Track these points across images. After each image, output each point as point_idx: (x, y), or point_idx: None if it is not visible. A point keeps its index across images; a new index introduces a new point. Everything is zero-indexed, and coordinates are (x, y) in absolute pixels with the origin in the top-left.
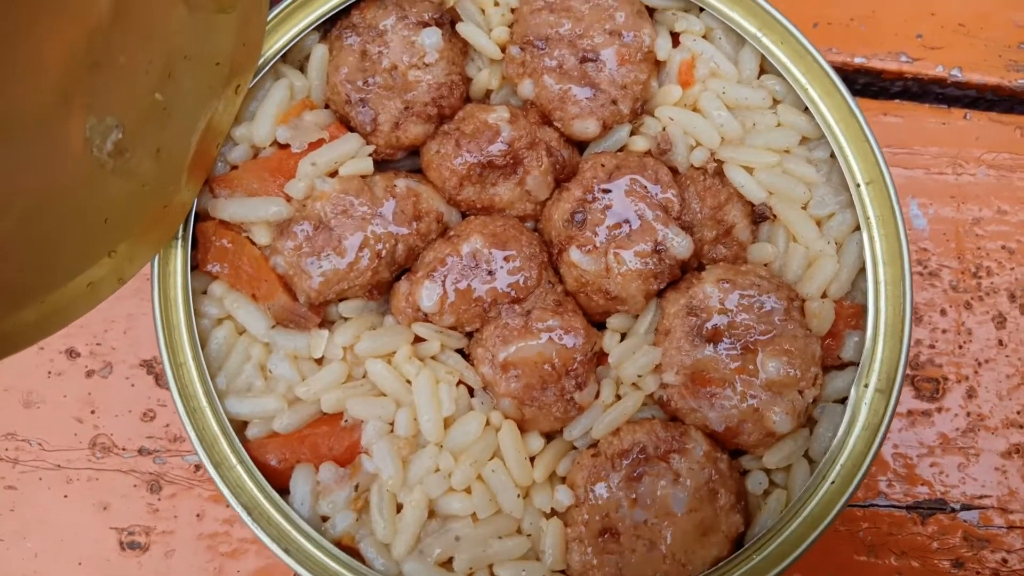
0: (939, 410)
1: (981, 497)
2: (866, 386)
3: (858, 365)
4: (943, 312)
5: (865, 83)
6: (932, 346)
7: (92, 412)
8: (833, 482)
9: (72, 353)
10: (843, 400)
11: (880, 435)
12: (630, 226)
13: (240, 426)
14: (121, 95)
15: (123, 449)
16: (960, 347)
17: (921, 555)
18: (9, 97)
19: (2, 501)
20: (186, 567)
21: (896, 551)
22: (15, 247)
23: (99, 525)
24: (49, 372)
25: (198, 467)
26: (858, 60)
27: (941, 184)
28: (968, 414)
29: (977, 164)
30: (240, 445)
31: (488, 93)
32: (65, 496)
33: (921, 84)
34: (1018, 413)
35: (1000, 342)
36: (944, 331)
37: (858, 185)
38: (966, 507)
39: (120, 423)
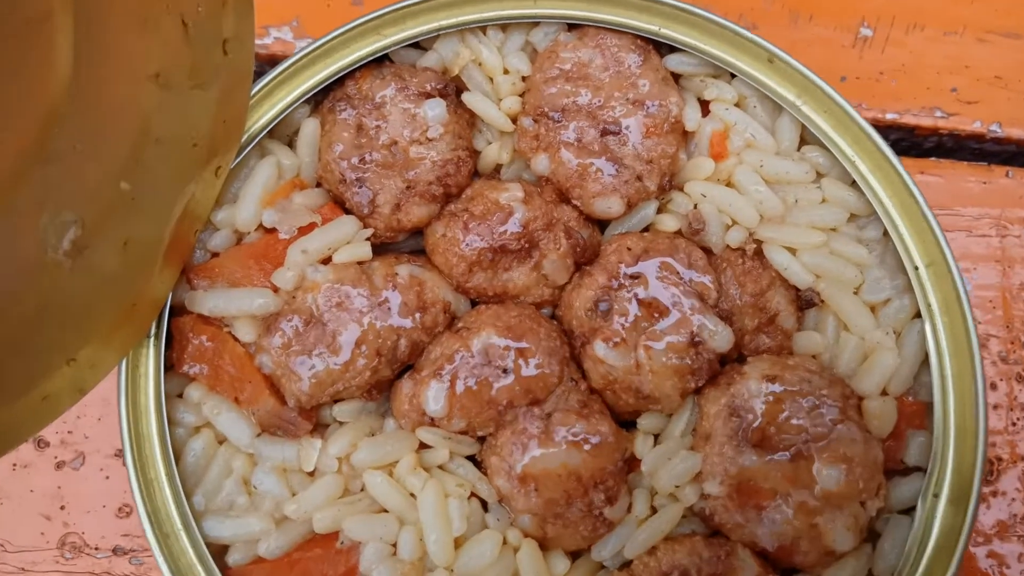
0: (994, 494)
1: None
2: (936, 496)
3: (924, 471)
4: (993, 386)
5: (896, 139)
6: None
7: (62, 508)
8: None
9: (40, 443)
10: (909, 510)
11: (957, 556)
12: (662, 316)
13: (220, 551)
14: (80, 187)
15: (96, 548)
16: (1014, 424)
17: None
18: None
19: None
20: None
21: None
22: None
23: None
24: (14, 464)
25: None
26: (890, 116)
27: (984, 247)
28: None
29: (1023, 225)
30: (219, 574)
31: (498, 168)
32: None
33: (957, 140)
34: None
35: None
36: (995, 407)
37: (916, 268)
38: None
39: (93, 520)
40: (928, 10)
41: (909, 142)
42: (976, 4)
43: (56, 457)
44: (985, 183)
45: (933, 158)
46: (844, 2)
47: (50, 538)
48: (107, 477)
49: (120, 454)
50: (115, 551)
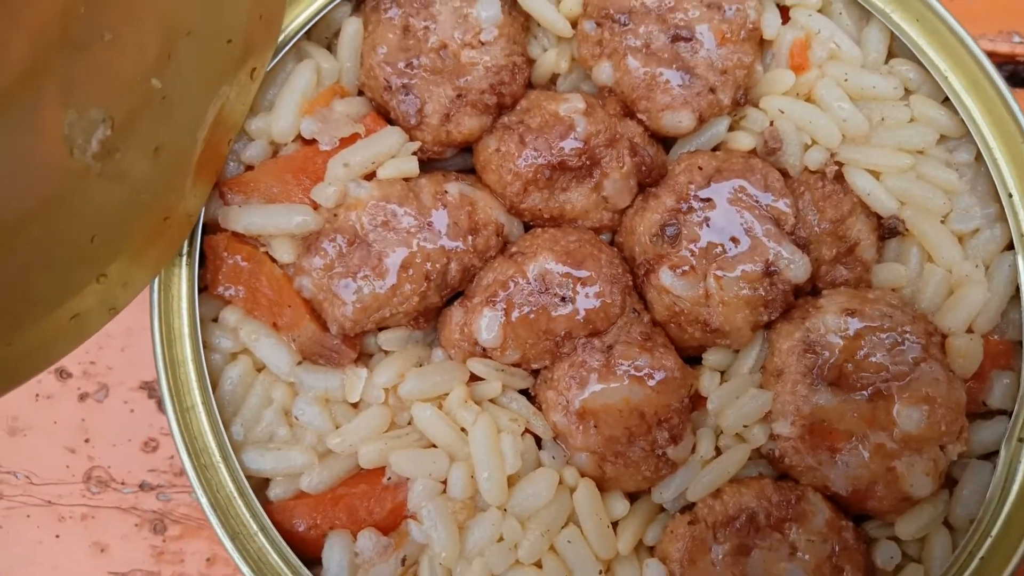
0: None
1: None
2: (1021, 441)
3: (1009, 415)
4: None
5: None
6: None
7: (86, 441)
8: (982, 558)
9: (63, 373)
10: (990, 456)
11: None
12: (735, 243)
13: (260, 484)
14: (109, 82)
15: (122, 483)
16: None
17: None
18: None
19: None
20: None
21: None
22: None
23: (95, 569)
24: (37, 395)
25: None
26: None
27: None
28: None
29: None
30: (261, 509)
31: (554, 78)
32: (56, 536)
33: None
34: None
35: None
36: None
37: (1010, 195)
38: None
39: (118, 454)
40: None
41: None
42: None
43: (79, 388)
44: None
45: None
46: None
47: (75, 471)
48: (132, 411)
49: (145, 387)
50: (141, 486)
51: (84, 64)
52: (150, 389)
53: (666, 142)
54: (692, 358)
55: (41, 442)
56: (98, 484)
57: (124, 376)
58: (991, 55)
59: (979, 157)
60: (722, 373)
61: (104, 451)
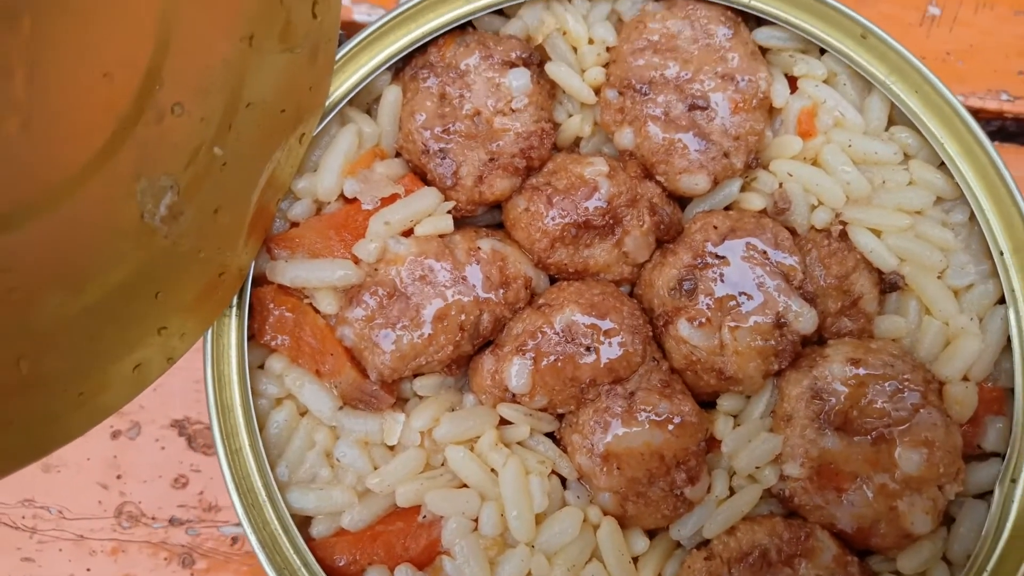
0: None
1: None
2: (1013, 481)
3: (1002, 457)
4: None
5: None
6: None
7: (118, 477)
8: None
9: None
10: (984, 495)
11: None
12: (748, 297)
13: (304, 522)
14: (176, 151)
15: (152, 518)
16: None
17: None
18: (53, 157)
19: (18, 574)
20: None
21: None
22: (59, 333)
23: None
24: None
25: (235, 539)
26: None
27: None
28: None
29: None
30: (304, 545)
31: (577, 141)
32: (88, 570)
33: (1021, 124)
34: None
35: None
36: None
37: (1001, 253)
38: None
39: (149, 490)
40: None
41: None
42: None
43: (112, 426)
44: None
45: (997, 142)
46: None
47: (107, 507)
48: (163, 448)
49: (175, 425)
50: (171, 521)
51: (154, 135)
52: (180, 427)
53: (682, 201)
54: (707, 403)
55: (74, 478)
56: (129, 519)
57: (156, 415)
58: (980, 112)
59: (972, 217)
60: (735, 417)
61: (135, 487)
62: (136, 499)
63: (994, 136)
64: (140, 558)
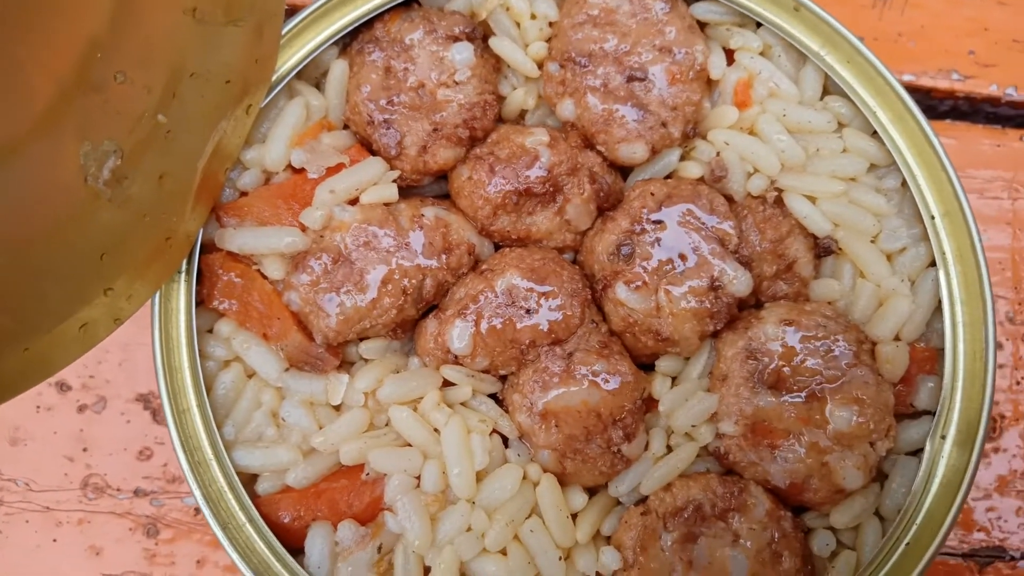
0: (996, 451)
1: None
2: (943, 438)
3: (933, 415)
4: (1000, 346)
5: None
6: None
7: (84, 450)
8: (908, 543)
9: (63, 386)
10: (917, 452)
11: (962, 494)
12: (683, 260)
13: (250, 480)
14: (120, 117)
15: (117, 490)
16: (1018, 383)
17: None
18: None
19: None
20: None
21: None
22: (4, 291)
23: (91, 572)
24: (38, 407)
25: (198, 510)
26: (907, 78)
27: (996, 209)
28: None
29: None
30: (250, 502)
31: (522, 113)
32: (54, 540)
33: (972, 103)
34: None
35: None
36: (1000, 366)
37: (933, 217)
38: None
39: (114, 462)
40: None
41: (924, 105)
42: None
43: (78, 401)
44: (998, 146)
45: (949, 120)
46: None
47: (73, 479)
48: (128, 421)
49: (140, 399)
50: (136, 492)
51: (99, 101)
52: (145, 401)
53: (624, 171)
54: (646, 365)
55: (41, 451)
56: (95, 491)
57: (121, 389)
58: (932, 91)
59: (904, 184)
60: (673, 379)
61: (101, 460)
62: (102, 471)
63: (947, 115)
64: (106, 529)
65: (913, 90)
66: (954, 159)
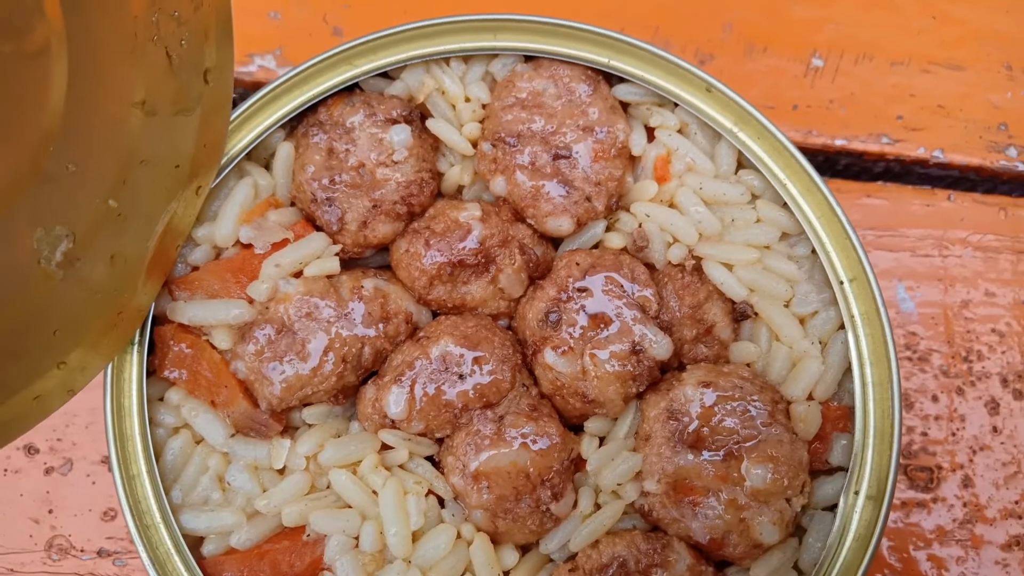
0: (935, 500)
1: None
2: (856, 493)
3: (847, 471)
4: (935, 398)
5: (847, 164)
6: (924, 434)
7: (49, 511)
8: None
9: (31, 449)
10: (833, 507)
11: (872, 546)
12: (607, 326)
13: (196, 542)
14: (71, 204)
15: (81, 551)
16: (953, 434)
17: None
18: None
19: None
20: None
21: None
22: None
23: None
24: (5, 470)
25: None
26: (839, 142)
27: (928, 266)
28: (965, 504)
29: (963, 245)
30: (195, 563)
31: (460, 188)
32: None
33: (904, 165)
34: (1016, 503)
35: (994, 428)
36: (936, 418)
37: (841, 282)
38: None
39: (79, 523)
40: (876, 42)
41: (859, 167)
42: (921, 36)
43: (45, 463)
44: (928, 206)
45: (881, 182)
46: (796, 34)
47: (38, 540)
48: (93, 483)
49: (106, 460)
50: (99, 553)
51: (51, 190)
52: (111, 463)
53: (555, 241)
54: (576, 426)
55: (6, 513)
56: (59, 552)
57: (87, 451)
58: (864, 154)
59: (814, 251)
60: (601, 439)
61: (66, 521)
62: (67, 532)
63: (881, 176)
64: None
65: (846, 154)
66: (887, 219)
